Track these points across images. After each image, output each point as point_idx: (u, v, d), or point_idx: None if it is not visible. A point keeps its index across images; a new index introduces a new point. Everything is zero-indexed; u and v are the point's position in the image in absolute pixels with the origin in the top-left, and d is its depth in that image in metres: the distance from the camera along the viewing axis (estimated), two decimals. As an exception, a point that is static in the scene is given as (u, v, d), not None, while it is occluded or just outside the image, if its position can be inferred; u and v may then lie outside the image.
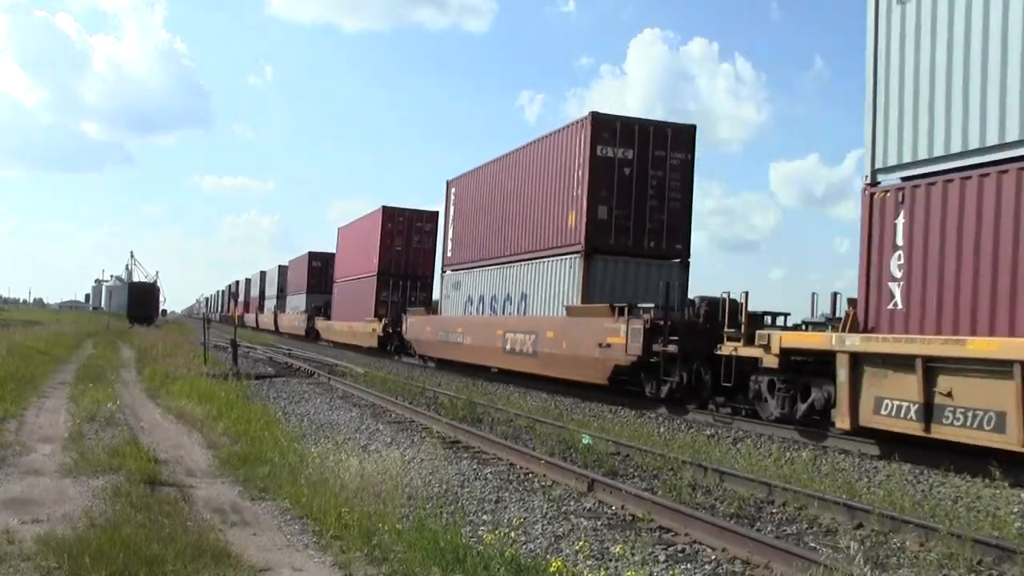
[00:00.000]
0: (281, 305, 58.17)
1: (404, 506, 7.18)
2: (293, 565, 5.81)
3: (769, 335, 13.15)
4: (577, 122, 19.48)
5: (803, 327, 13.88)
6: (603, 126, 18.74)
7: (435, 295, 30.89)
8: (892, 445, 10.85)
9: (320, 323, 44.22)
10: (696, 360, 15.26)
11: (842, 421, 11.43)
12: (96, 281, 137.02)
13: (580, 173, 19.01)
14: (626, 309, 16.58)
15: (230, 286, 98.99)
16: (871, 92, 11.41)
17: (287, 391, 18.72)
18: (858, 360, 11.14)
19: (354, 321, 36.07)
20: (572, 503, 8.26)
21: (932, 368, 10.00)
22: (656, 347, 15.70)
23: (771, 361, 13.00)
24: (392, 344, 32.36)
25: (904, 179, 11.01)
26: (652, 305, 16.28)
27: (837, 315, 13.07)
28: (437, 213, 30.52)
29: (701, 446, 11.78)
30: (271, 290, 63.35)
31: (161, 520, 6.45)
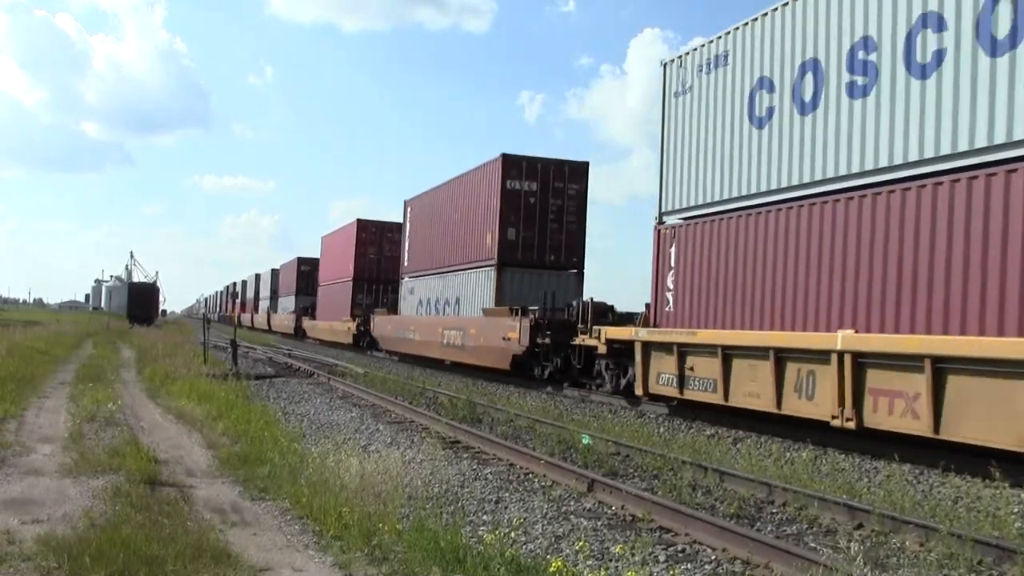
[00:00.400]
0: (274, 306, 61.85)
1: (404, 506, 7.19)
2: (293, 565, 5.81)
3: (600, 329, 17.52)
4: (493, 160, 23.81)
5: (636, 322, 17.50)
6: (512, 164, 23.28)
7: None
8: (681, 408, 15.24)
9: (307, 322, 48.02)
10: (564, 349, 19.43)
11: (640, 390, 15.67)
12: (96, 281, 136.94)
13: (495, 202, 23.50)
14: (520, 310, 21.00)
15: (228, 287, 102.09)
16: (660, 157, 15.80)
17: (287, 391, 18.73)
18: (646, 347, 15.45)
19: (334, 320, 40.92)
20: (572, 503, 8.26)
21: (682, 352, 14.32)
22: (539, 340, 20.20)
23: (602, 349, 17.37)
24: (364, 341, 36.44)
25: (681, 219, 15.29)
26: (537, 307, 20.63)
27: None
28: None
29: (701, 446, 11.78)
30: (265, 291, 67.56)
31: (161, 520, 6.45)
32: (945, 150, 10.13)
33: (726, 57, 14.00)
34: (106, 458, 8.88)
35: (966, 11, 9.99)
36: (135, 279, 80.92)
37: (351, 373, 24.11)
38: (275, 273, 62.83)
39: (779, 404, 12.13)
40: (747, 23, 13.56)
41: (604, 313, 18.70)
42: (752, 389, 12.68)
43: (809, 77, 12.34)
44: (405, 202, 32.43)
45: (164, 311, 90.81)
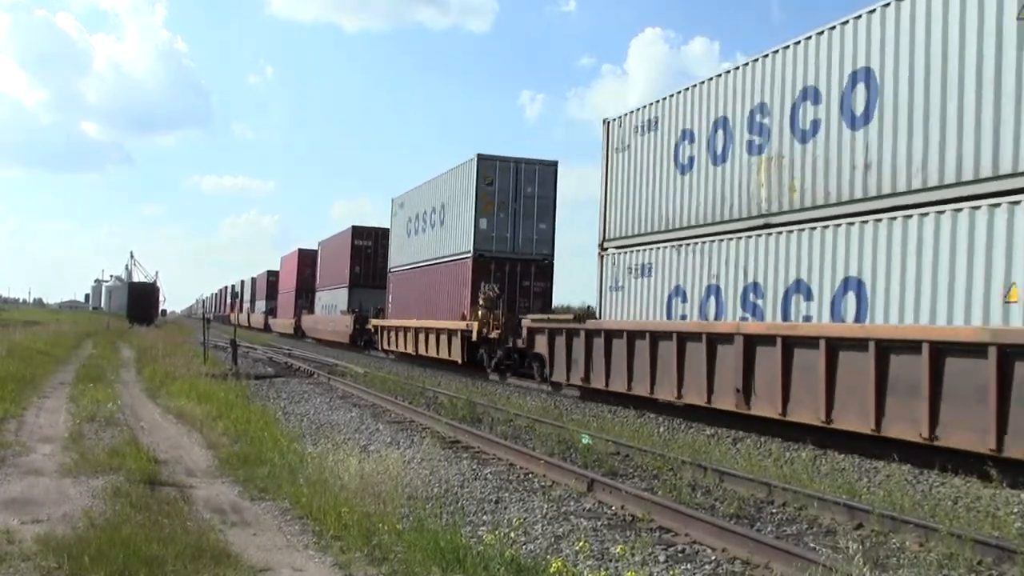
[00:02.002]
0: (252, 307, 73.04)
1: (404, 506, 7.18)
2: (293, 565, 5.81)
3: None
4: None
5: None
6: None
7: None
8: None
9: (270, 320, 62.07)
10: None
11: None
12: (96, 281, 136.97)
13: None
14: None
15: (223, 289, 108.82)
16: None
17: (287, 391, 18.73)
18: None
19: (284, 319, 55.21)
20: (572, 503, 8.26)
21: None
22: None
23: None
24: (299, 332, 49.55)
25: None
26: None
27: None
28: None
29: (701, 446, 11.78)
30: (247, 295, 77.80)
31: (161, 520, 6.45)
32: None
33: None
34: (106, 458, 8.88)
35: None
36: (135, 279, 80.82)
37: (351, 373, 24.11)
38: (253, 280, 74.42)
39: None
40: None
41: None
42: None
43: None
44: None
45: (164, 311, 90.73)
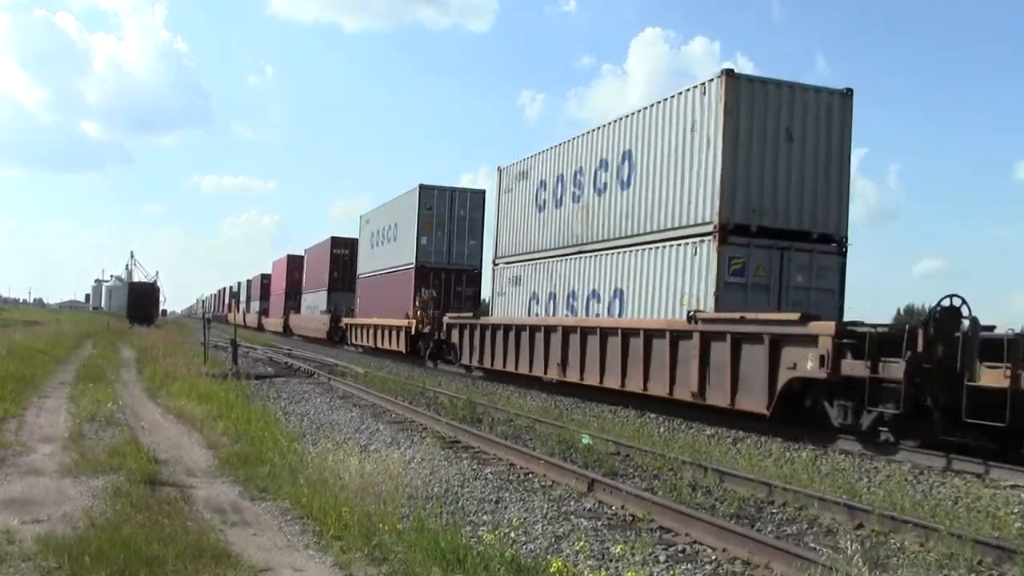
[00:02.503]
0: (248, 307, 78.80)
1: (404, 506, 7.18)
2: (293, 565, 5.81)
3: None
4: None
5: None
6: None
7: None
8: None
9: (263, 319, 67.16)
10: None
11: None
12: (96, 281, 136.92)
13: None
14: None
15: (221, 290, 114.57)
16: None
17: (287, 391, 18.72)
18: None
19: (275, 318, 60.33)
20: (572, 503, 8.26)
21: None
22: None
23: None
24: (288, 331, 53.39)
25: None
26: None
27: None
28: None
29: (701, 446, 11.78)
30: (243, 296, 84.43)
31: (161, 520, 6.45)
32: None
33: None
34: (106, 458, 8.87)
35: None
36: (135, 279, 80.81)
37: (351, 373, 24.11)
38: (248, 282, 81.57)
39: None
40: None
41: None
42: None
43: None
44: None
45: (164, 311, 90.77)
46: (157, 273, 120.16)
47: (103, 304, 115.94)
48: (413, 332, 29.07)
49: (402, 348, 30.21)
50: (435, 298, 28.34)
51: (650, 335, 15.57)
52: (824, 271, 15.13)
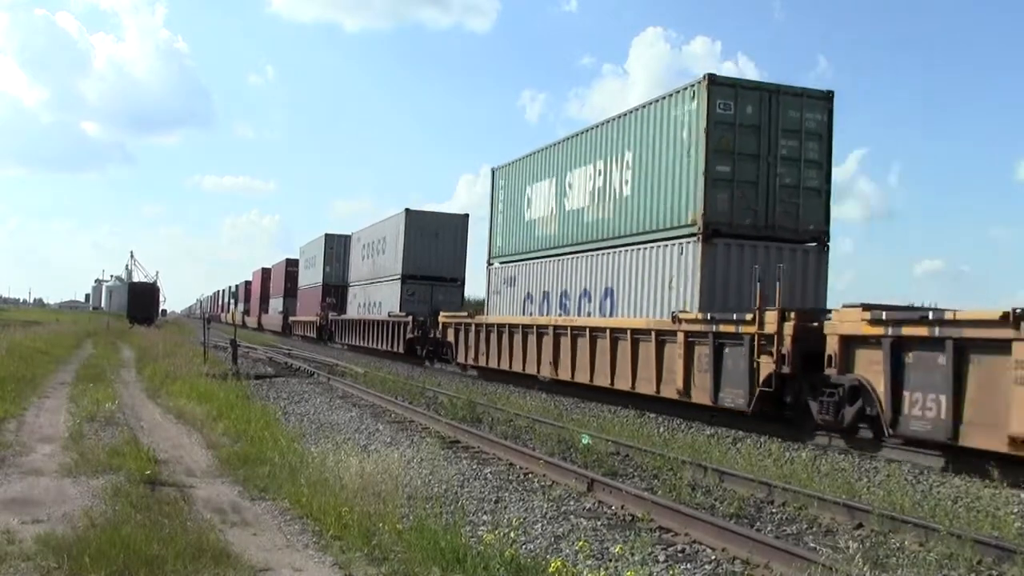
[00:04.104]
0: (237, 308, 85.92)
1: (404, 506, 7.18)
2: (293, 565, 5.81)
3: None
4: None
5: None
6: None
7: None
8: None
9: (246, 318, 75.00)
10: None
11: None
12: (96, 281, 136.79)
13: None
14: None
15: (217, 292, 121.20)
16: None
17: (287, 391, 18.72)
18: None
19: (264, 315, 67.60)
20: (572, 503, 8.26)
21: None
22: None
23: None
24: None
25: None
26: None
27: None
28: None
29: (701, 446, 11.77)
30: (231, 298, 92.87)
31: (161, 520, 6.45)
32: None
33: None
34: (106, 458, 8.87)
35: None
36: (135, 279, 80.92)
37: (351, 373, 24.11)
38: (236, 287, 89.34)
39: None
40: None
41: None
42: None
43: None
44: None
45: (164, 311, 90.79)
46: (157, 273, 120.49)
47: (103, 304, 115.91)
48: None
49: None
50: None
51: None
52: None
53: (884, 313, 10.90)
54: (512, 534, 6.48)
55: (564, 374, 18.65)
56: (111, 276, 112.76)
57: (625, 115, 17.60)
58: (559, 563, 5.27)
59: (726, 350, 13.55)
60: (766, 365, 12.53)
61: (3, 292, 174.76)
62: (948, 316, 10.15)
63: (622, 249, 17.44)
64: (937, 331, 10.10)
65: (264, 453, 9.51)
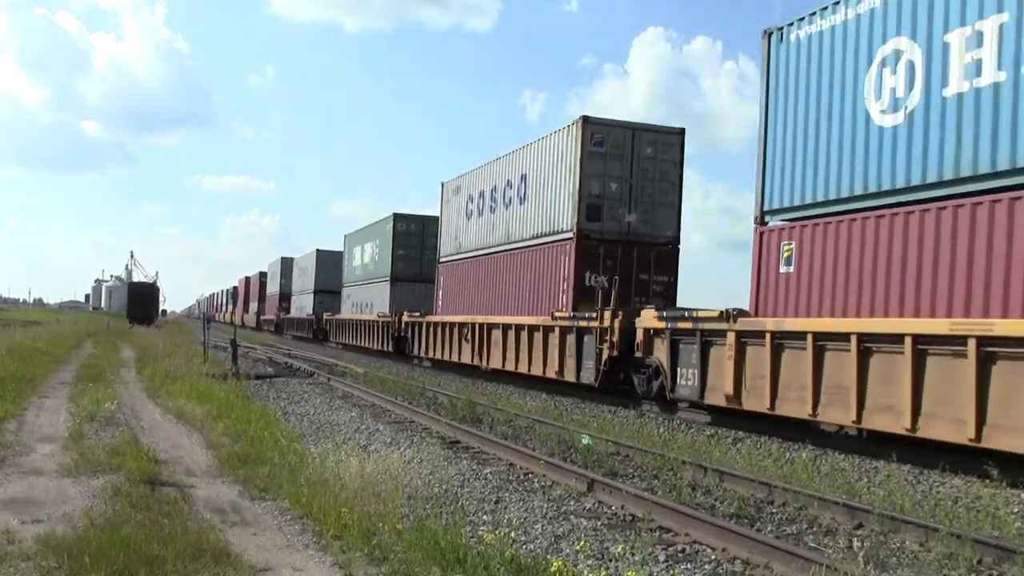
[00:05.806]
0: (235, 308, 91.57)
1: (404, 506, 7.18)
2: (293, 565, 5.81)
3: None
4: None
5: None
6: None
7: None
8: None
9: (243, 316, 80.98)
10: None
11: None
12: (96, 281, 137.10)
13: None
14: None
15: (214, 293, 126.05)
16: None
17: (287, 391, 18.72)
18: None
19: (256, 315, 75.12)
20: (572, 503, 8.26)
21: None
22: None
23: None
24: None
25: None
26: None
27: None
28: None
29: (701, 446, 11.78)
30: (225, 300, 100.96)
31: (161, 520, 6.45)
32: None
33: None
34: (106, 458, 8.87)
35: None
36: (135, 279, 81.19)
37: (351, 373, 24.12)
38: (228, 290, 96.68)
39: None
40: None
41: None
42: None
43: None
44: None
45: (164, 311, 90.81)
46: (157, 273, 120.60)
47: (103, 304, 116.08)
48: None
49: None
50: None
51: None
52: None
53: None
54: (512, 534, 6.48)
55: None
56: (111, 276, 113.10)
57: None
58: (559, 563, 5.27)
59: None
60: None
61: (3, 292, 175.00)
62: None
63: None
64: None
65: (264, 453, 9.51)
